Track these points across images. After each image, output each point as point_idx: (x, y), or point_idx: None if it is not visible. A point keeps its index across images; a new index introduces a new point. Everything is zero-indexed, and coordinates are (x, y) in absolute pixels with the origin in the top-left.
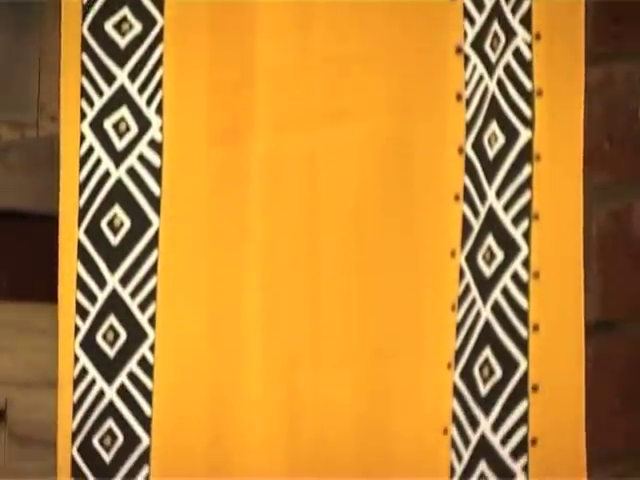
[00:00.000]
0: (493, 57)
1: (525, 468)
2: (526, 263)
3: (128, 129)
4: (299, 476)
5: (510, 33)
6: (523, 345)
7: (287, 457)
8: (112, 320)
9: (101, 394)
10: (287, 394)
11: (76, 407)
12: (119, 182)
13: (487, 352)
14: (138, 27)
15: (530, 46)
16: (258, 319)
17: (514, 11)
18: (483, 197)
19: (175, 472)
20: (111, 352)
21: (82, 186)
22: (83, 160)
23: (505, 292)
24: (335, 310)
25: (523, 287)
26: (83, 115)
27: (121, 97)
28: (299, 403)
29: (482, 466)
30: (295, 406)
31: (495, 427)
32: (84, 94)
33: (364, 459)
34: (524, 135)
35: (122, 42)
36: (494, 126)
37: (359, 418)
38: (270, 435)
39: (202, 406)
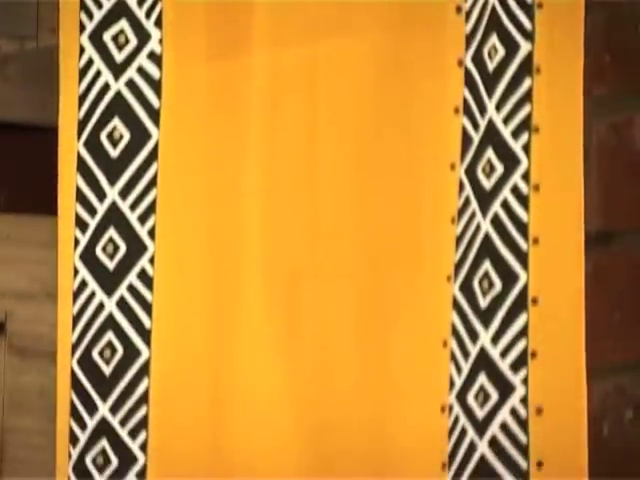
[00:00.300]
0: None
1: (525, 381)
2: (526, 176)
3: (127, 41)
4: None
5: None
6: (523, 258)
7: (285, 369)
8: (112, 232)
9: (101, 306)
10: (287, 305)
11: (76, 319)
12: (118, 94)
13: (487, 265)
14: None
15: None
16: (258, 230)
17: None
18: (483, 110)
19: (174, 383)
20: (111, 264)
21: (81, 98)
22: (82, 72)
23: (505, 205)
24: (335, 222)
25: (523, 200)
26: (82, 27)
27: (120, 9)
28: (299, 315)
29: (481, 379)
30: (296, 318)
31: (495, 340)
32: (83, 6)
33: (363, 368)
34: (524, 48)
35: None
36: (494, 39)
37: (359, 330)
38: (271, 343)
39: (201, 317)
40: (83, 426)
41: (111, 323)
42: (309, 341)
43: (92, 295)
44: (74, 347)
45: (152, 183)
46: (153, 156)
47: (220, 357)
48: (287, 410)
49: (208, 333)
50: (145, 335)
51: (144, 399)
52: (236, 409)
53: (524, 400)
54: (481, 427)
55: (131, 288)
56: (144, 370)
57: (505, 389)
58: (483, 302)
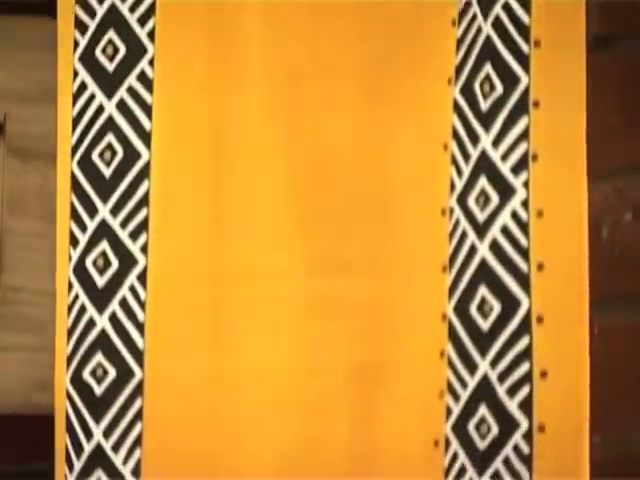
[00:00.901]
0: None
1: (525, 184)
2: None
3: None
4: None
5: None
6: (524, 61)
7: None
8: (111, 34)
9: (100, 109)
10: (287, 105)
11: (75, 121)
12: None
13: (488, 68)
14: None
15: None
16: (258, 27)
17: None
18: None
19: (175, 184)
20: (110, 66)
21: None
22: None
23: (506, 7)
24: (336, 20)
25: (524, 2)
26: None
27: None
28: (300, 115)
29: (482, 181)
30: (296, 119)
31: (495, 143)
32: None
33: (364, 170)
34: None
35: None
36: None
37: (359, 133)
38: (271, 144)
39: (202, 120)
40: (83, 228)
41: (110, 125)
42: (309, 142)
43: (92, 97)
44: (74, 149)
45: (151, 8)
46: None
47: (221, 157)
48: (289, 211)
49: (209, 134)
50: (145, 137)
51: (144, 201)
52: (235, 209)
53: (525, 203)
54: (482, 230)
55: (131, 90)
56: (144, 172)
57: (506, 192)
58: (484, 105)
